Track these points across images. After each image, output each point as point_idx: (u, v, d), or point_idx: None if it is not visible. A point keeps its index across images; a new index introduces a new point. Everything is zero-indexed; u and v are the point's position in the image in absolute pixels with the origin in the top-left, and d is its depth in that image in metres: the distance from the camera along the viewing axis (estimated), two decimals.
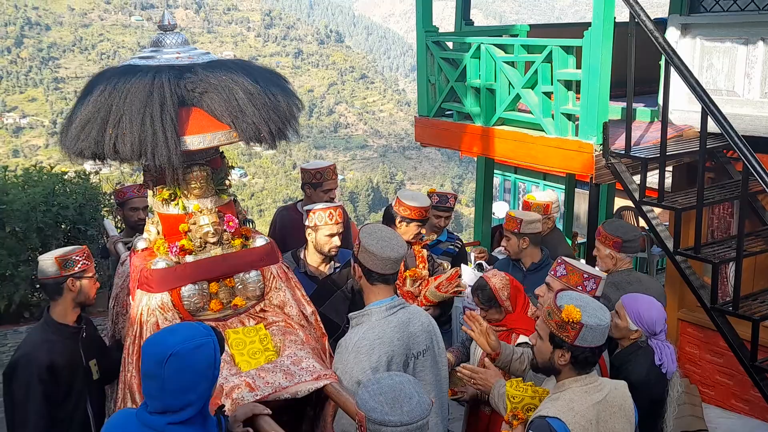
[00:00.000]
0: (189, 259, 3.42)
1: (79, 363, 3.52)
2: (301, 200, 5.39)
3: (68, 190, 7.69)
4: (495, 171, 9.71)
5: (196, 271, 3.38)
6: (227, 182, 3.56)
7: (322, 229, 4.16)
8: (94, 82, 3.26)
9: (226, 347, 3.24)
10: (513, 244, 4.74)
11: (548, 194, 5.89)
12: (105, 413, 3.75)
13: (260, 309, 3.53)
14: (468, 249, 8.51)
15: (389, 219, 4.69)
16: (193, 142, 3.18)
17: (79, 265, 3.50)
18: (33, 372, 3.30)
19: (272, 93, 3.34)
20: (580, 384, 2.63)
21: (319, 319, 3.70)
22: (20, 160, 48.11)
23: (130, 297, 3.60)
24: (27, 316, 7.58)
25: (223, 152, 3.62)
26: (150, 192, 3.54)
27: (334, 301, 4.16)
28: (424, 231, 4.92)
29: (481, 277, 3.89)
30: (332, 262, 4.37)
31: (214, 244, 3.44)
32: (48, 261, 3.47)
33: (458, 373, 3.49)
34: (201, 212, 3.40)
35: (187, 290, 3.34)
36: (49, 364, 3.35)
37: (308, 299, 3.71)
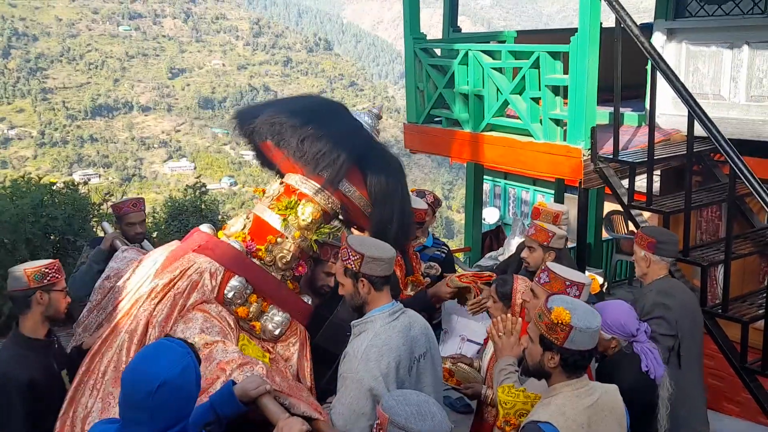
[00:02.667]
0: (255, 261, 3.60)
1: (55, 376, 3.44)
2: None
3: (57, 201, 7.64)
4: (485, 177, 9.73)
5: (257, 273, 3.55)
6: (323, 237, 3.78)
7: (322, 264, 4.09)
8: (313, 95, 4.02)
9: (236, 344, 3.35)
10: (537, 257, 4.57)
11: (559, 205, 5.81)
12: None
13: (270, 346, 3.58)
14: (458, 255, 8.54)
15: None
16: (348, 189, 3.58)
17: (48, 278, 3.38)
18: (12, 392, 3.20)
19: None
20: (571, 388, 2.63)
21: (315, 395, 3.61)
22: (8, 172, 47.88)
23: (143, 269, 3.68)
24: None
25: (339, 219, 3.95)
26: (265, 196, 3.77)
27: (330, 331, 4.00)
28: (419, 235, 4.91)
29: (513, 274, 3.90)
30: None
31: (278, 269, 3.63)
32: (17, 273, 3.37)
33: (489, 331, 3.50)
34: (294, 240, 3.63)
35: (236, 280, 3.47)
36: (29, 381, 3.25)
37: (311, 375, 3.68)
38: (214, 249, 3.54)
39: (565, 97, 5.82)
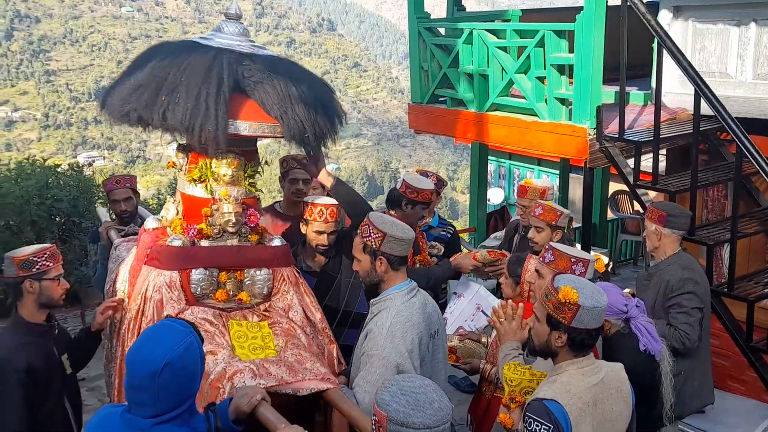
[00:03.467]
0: (204, 243, 3.40)
1: (55, 361, 3.43)
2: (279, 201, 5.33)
3: (62, 182, 7.66)
4: (489, 157, 9.71)
5: (210, 256, 3.37)
6: (253, 175, 3.53)
7: (311, 224, 4.12)
8: (151, 51, 3.33)
9: (228, 338, 3.22)
10: (545, 237, 4.56)
11: (544, 181, 5.87)
12: (81, 405, 3.71)
13: (264, 309, 3.46)
14: (462, 236, 8.54)
15: (394, 202, 4.59)
16: (240, 127, 3.21)
17: (37, 266, 3.31)
18: (11, 377, 3.20)
19: (322, 100, 3.40)
20: (577, 366, 2.63)
21: (328, 326, 3.65)
22: (13, 154, 47.93)
23: (122, 276, 3.60)
24: None
25: (257, 149, 3.62)
26: (180, 171, 3.51)
27: (336, 290, 4.16)
28: (425, 215, 4.92)
29: (528, 253, 3.92)
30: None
31: (232, 234, 3.43)
32: (8, 260, 3.33)
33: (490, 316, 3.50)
34: (227, 200, 3.38)
35: (197, 274, 3.31)
36: (27, 367, 3.24)
37: (317, 306, 3.65)
38: (158, 258, 3.37)
39: (571, 76, 5.77)
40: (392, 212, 4.60)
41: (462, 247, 8.05)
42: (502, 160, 13.34)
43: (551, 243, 3.53)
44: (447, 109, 7.10)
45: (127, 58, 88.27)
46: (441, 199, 5.90)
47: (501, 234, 8.65)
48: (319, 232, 4.09)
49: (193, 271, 3.31)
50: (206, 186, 3.39)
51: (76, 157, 56.87)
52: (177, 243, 3.35)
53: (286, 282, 3.53)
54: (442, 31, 7.34)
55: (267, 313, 3.45)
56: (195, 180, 3.40)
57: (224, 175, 3.36)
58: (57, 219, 7.53)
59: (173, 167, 3.58)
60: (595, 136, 5.62)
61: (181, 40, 3.42)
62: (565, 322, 2.59)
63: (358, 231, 3.23)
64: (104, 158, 67.40)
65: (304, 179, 4.85)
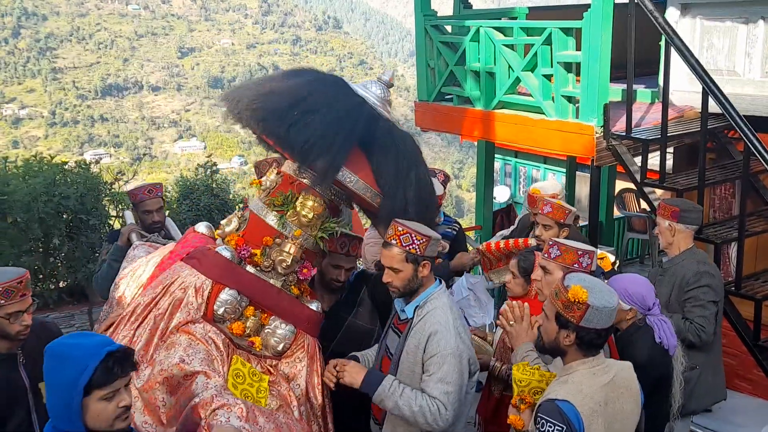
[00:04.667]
0: (250, 269, 3.26)
1: (20, 390, 3.18)
2: None
3: (69, 180, 7.66)
4: (496, 155, 9.69)
5: (251, 283, 3.20)
6: (329, 233, 3.37)
7: (330, 256, 3.75)
8: (296, 71, 3.32)
9: (225, 371, 3.01)
10: (553, 234, 4.54)
11: (552, 184, 5.81)
12: None
13: (269, 364, 3.24)
14: (468, 233, 8.52)
15: None
16: (347, 177, 3.13)
17: None
18: None
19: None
20: (587, 366, 2.62)
21: (330, 414, 3.38)
22: (20, 151, 48.08)
23: (138, 272, 3.50)
24: None
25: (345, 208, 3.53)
26: (262, 191, 3.38)
27: (350, 335, 3.83)
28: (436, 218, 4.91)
29: (532, 250, 3.92)
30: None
31: (279, 274, 3.28)
32: None
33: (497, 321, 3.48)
34: (293, 240, 3.25)
35: (228, 294, 3.15)
36: None
37: (325, 392, 3.36)
38: (201, 259, 3.21)
39: (578, 74, 5.76)
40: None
41: (468, 245, 8.05)
42: (509, 158, 13.32)
43: (554, 239, 3.53)
44: (453, 107, 7.10)
45: (134, 56, 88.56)
46: (445, 195, 5.89)
47: (507, 232, 8.65)
48: (338, 267, 3.78)
49: (227, 289, 3.15)
50: (281, 217, 3.26)
51: (82, 154, 56.94)
52: (226, 254, 3.22)
53: (303, 350, 3.30)
54: (448, 29, 7.33)
55: (270, 370, 3.22)
56: (274, 206, 3.27)
57: (303, 216, 3.24)
58: (64, 216, 7.52)
59: (257, 185, 3.46)
60: (602, 134, 5.61)
61: (332, 74, 3.41)
62: (573, 321, 2.59)
63: (391, 241, 3.11)
64: (110, 156, 67.51)
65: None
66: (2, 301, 3.04)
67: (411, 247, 3.07)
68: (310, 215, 3.24)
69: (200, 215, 8.00)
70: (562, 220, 4.58)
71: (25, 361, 3.20)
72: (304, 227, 3.27)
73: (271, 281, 3.27)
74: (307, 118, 3.03)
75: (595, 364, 2.64)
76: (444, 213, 5.72)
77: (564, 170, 10.12)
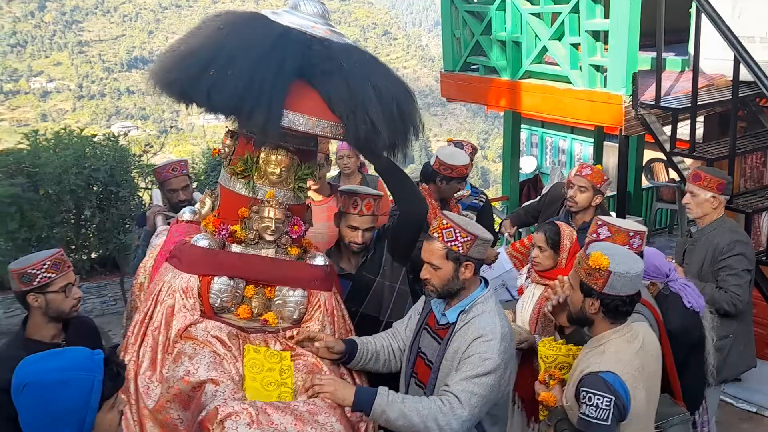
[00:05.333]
0: (235, 249, 2.98)
1: None
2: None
3: (98, 152, 7.75)
4: (522, 125, 9.62)
5: (238, 264, 2.94)
6: (312, 183, 3.08)
7: (345, 217, 3.57)
8: (212, 19, 2.88)
9: (240, 365, 2.78)
10: (587, 198, 4.49)
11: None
12: None
13: (290, 336, 2.98)
14: (494, 204, 8.51)
15: (428, 177, 4.58)
16: (296, 120, 2.73)
17: (37, 279, 2.96)
18: None
19: (401, 105, 2.89)
20: (619, 335, 2.62)
21: (357, 374, 3.12)
22: (48, 124, 48.61)
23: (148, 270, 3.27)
24: None
25: (315, 149, 3.17)
26: (224, 161, 3.08)
27: (377, 297, 3.63)
28: (462, 188, 4.88)
29: (554, 221, 3.87)
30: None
31: (269, 242, 2.98)
32: (9, 273, 3.01)
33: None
34: (269, 203, 2.93)
35: (219, 283, 2.89)
36: (5, 386, 2.97)
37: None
38: (179, 257, 2.96)
39: (606, 42, 5.70)
40: (425, 186, 4.57)
41: (495, 215, 8.04)
42: (535, 129, 13.22)
43: (601, 218, 3.37)
44: (479, 77, 7.06)
45: (158, 28, 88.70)
46: (472, 166, 5.86)
47: (533, 202, 8.62)
48: (353, 228, 3.53)
49: (216, 278, 2.89)
50: (249, 183, 2.95)
51: (110, 127, 57.44)
52: (203, 243, 2.95)
53: (320, 309, 3.06)
54: None
55: (290, 348, 2.97)
56: (237, 174, 2.97)
57: (271, 174, 2.93)
58: (94, 188, 7.62)
59: (218, 155, 3.14)
60: (630, 103, 5.56)
61: (249, 11, 2.96)
62: (597, 288, 2.59)
63: (434, 235, 2.82)
64: (137, 128, 68.02)
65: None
66: (53, 275, 2.98)
67: (453, 243, 2.77)
68: (278, 170, 2.93)
69: None
70: (598, 185, 4.53)
71: None
72: (276, 185, 2.95)
73: (263, 252, 2.98)
74: (225, 73, 2.65)
75: (626, 331, 2.64)
76: (471, 184, 5.71)
77: (591, 140, 10.04)
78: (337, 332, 3.11)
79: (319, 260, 3.13)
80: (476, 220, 5.19)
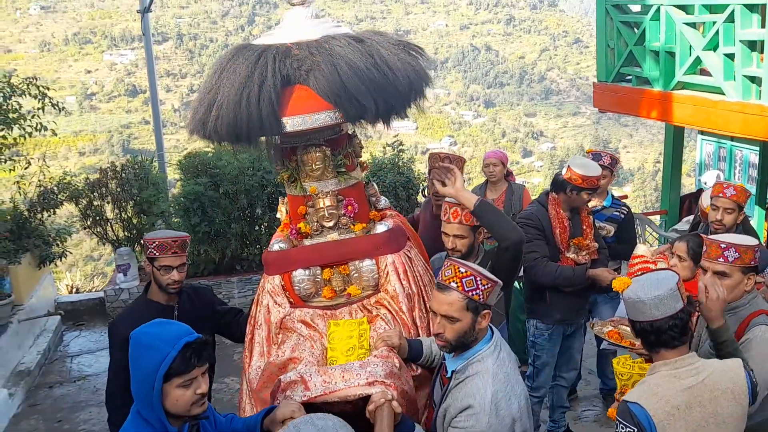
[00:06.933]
0: (307, 242, 3.32)
1: None
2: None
3: None
4: (709, 138, 9.21)
5: (307, 255, 3.26)
6: (350, 162, 3.35)
7: (444, 225, 3.68)
8: (217, 61, 3.22)
9: (325, 341, 3.11)
10: (734, 218, 4.37)
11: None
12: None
13: (375, 301, 3.25)
14: (653, 218, 8.29)
15: (559, 187, 4.53)
16: (293, 123, 3.00)
17: (149, 251, 3.47)
18: (115, 340, 3.45)
19: (388, 67, 3.05)
20: (669, 367, 2.51)
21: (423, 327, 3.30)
22: None
23: None
24: (238, 269, 8.47)
25: (353, 131, 3.46)
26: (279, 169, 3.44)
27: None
28: (594, 199, 4.87)
29: (699, 233, 3.85)
30: None
31: (330, 228, 3.30)
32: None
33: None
34: (318, 195, 3.27)
35: (298, 275, 3.23)
36: (128, 336, 3.45)
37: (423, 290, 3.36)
38: (264, 264, 3.34)
39: (762, 52, 5.47)
40: (555, 195, 4.57)
41: (648, 229, 7.84)
42: (723, 142, 12.51)
43: (727, 240, 3.17)
44: (632, 87, 6.99)
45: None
46: (615, 177, 5.77)
47: (692, 217, 8.26)
48: (445, 234, 3.66)
49: (294, 273, 3.23)
50: (297, 184, 3.29)
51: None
52: (276, 247, 3.31)
53: (389, 272, 3.29)
54: (633, 9, 7.18)
55: (377, 306, 3.24)
56: (287, 179, 3.34)
57: (311, 170, 3.23)
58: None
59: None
60: None
61: (237, 45, 3.25)
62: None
63: (450, 285, 2.63)
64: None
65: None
66: (157, 253, 3.45)
67: (474, 293, 2.60)
68: (314, 166, 3.22)
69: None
70: (743, 203, 4.40)
71: (179, 315, 3.56)
72: (318, 180, 3.26)
73: (329, 237, 3.31)
74: (221, 110, 2.96)
75: (679, 365, 2.51)
76: (612, 195, 5.63)
77: None
78: (413, 286, 3.30)
79: (380, 227, 3.37)
80: (616, 232, 5.21)
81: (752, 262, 3.06)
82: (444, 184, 3.55)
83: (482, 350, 2.64)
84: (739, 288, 3.06)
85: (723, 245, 3.07)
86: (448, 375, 2.72)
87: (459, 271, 2.61)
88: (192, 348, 2.31)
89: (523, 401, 2.63)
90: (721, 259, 3.06)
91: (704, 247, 3.25)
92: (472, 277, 2.60)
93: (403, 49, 3.19)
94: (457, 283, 2.60)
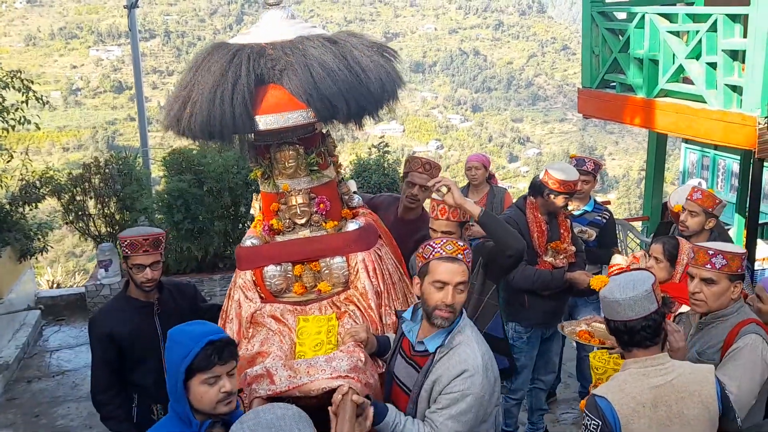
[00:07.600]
0: (279, 238, 3.39)
1: (153, 336, 3.52)
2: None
3: None
4: (692, 147, 9.30)
5: (278, 251, 3.32)
6: (323, 161, 3.40)
7: (432, 222, 3.73)
8: (193, 59, 3.26)
9: (293, 336, 3.17)
10: (698, 222, 4.42)
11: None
12: None
13: (345, 297, 3.31)
14: (635, 224, 8.35)
15: (536, 191, 4.56)
16: (266, 121, 3.06)
17: (123, 249, 3.48)
18: (93, 335, 3.48)
19: (360, 69, 3.12)
20: (639, 366, 2.55)
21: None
22: None
23: None
24: (221, 266, 8.46)
25: (327, 131, 3.51)
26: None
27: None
28: (571, 203, 4.90)
29: (675, 235, 3.90)
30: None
31: (302, 225, 3.36)
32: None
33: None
34: (290, 192, 3.32)
35: (270, 270, 3.29)
36: (110, 331, 3.42)
37: (394, 282, 3.44)
38: (236, 259, 3.41)
39: (743, 62, 5.55)
40: (533, 199, 4.55)
41: (630, 234, 7.90)
42: (707, 150, 12.62)
43: (714, 247, 3.18)
44: (615, 94, 7.06)
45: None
46: (597, 182, 5.80)
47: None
48: (433, 230, 3.69)
49: (266, 268, 3.30)
50: (270, 182, 3.36)
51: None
52: (247, 243, 3.38)
53: (358, 269, 3.36)
54: (619, 16, 7.25)
55: (346, 303, 3.30)
56: (260, 177, 3.41)
57: (284, 168, 3.28)
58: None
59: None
60: (765, 125, 5.37)
61: (214, 43, 3.29)
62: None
63: (457, 256, 2.76)
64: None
65: (421, 185, 4.58)
66: (129, 252, 3.43)
67: (468, 264, 2.81)
68: (288, 163, 3.27)
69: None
70: (711, 209, 4.44)
71: (160, 311, 3.58)
72: (291, 177, 3.31)
73: (300, 234, 3.36)
74: (195, 107, 3.01)
75: (648, 364, 2.55)
76: (594, 200, 5.64)
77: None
78: (382, 284, 3.36)
79: (351, 225, 3.44)
80: (597, 237, 5.24)
81: (739, 270, 3.10)
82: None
83: (459, 323, 2.79)
84: (725, 295, 3.10)
85: (711, 252, 3.10)
86: (425, 350, 2.81)
87: (458, 244, 2.78)
88: (214, 346, 2.35)
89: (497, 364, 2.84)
90: (708, 266, 3.10)
91: (691, 254, 3.29)
92: (468, 251, 2.80)
93: (377, 51, 3.27)
94: (461, 254, 2.76)
